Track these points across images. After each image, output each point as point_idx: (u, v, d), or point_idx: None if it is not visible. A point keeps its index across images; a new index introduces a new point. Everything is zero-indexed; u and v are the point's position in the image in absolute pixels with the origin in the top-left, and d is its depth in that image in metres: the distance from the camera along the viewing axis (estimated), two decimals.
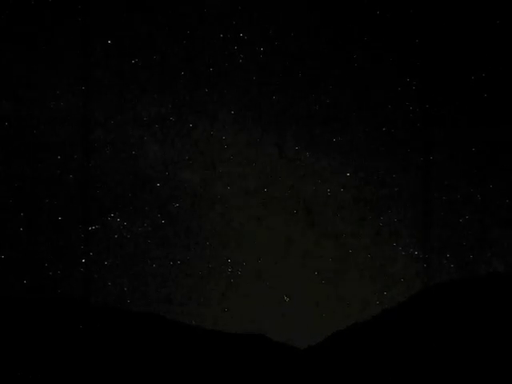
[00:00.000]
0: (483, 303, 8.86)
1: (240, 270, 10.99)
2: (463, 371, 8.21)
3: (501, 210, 10.32)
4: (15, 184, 10.34)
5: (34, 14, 9.63)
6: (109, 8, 9.95)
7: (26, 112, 10.11)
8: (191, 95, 10.53)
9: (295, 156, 10.78)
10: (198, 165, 10.81)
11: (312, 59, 10.37)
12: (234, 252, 10.92)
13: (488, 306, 8.79)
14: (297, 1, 10.30)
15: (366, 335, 8.89)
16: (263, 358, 8.76)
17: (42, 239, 10.50)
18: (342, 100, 10.53)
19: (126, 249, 10.89)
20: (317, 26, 10.43)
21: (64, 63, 9.88)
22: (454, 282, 9.58)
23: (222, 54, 10.42)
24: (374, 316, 9.41)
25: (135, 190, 10.77)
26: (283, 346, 9.25)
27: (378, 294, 10.22)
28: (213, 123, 10.70)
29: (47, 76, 9.95)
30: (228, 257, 10.96)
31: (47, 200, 10.39)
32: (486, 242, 10.29)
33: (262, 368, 8.59)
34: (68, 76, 9.97)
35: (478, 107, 10.50)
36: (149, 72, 10.27)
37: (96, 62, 10.06)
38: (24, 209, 10.37)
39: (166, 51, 10.30)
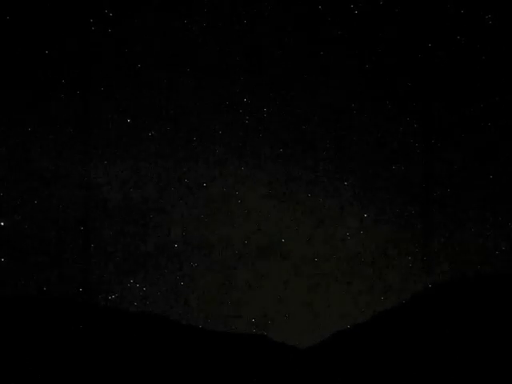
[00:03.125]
0: (483, 302, 8.56)
1: (265, 328, 10.64)
2: (464, 371, 7.80)
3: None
4: (26, 259, 10.52)
5: (34, 88, 10.55)
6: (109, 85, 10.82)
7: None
8: (206, 156, 11.00)
9: (310, 203, 10.94)
10: (215, 221, 10.96)
11: (315, 109, 10.96)
12: (257, 309, 10.67)
13: (488, 305, 8.48)
14: (294, 63, 11.09)
15: (367, 335, 8.53)
16: (264, 358, 8.32)
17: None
18: (347, 148, 10.93)
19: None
20: (316, 88, 11.13)
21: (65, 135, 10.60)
22: (454, 282, 9.27)
23: (230, 117, 11.08)
24: (375, 316, 9.11)
25: (155, 253, 10.85)
26: (284, 346, 8.83)
27: None
28: (226, 180, 11.03)
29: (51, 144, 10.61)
30: (252, 316, 10.69)
31: (60, 269, 10.49)
32: None
33: (263, 368, 8.14)
34: (70, 145, 10.63)
35: (482, 137, 10.73)
36: (158, 136, 10.89)
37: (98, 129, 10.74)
38: (33, 279, 10.42)
39: (179, 119, 10.99)
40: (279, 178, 10.98)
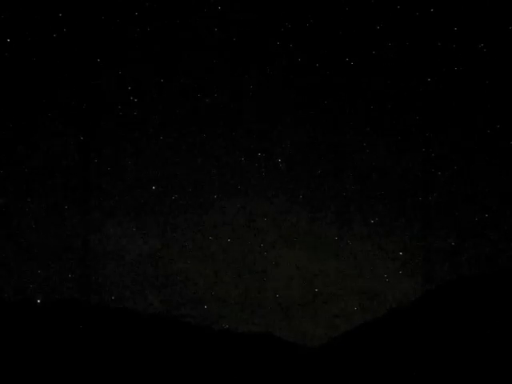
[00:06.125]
0: (492, 301, 8.27)
1: None
2: (475, 370, 7.52)
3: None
4: None
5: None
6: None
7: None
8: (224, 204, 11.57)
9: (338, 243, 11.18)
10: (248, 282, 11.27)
11: (320, 147, 11.50)
12: None
13: (489, 305, 8.20)
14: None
15: (376, 334, 8.33)
16: (272, 357, 8.16)
17: None
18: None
19: None
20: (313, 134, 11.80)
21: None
22: (464, 281, 8.99)
23: (243, 166, 11.79)
24: (383, 315, 8.94)
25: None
26: (292, 344, 8.61)
27: None
28: (254, 236, 11.49)
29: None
30: None
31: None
32: None
33: (271, 367, 7.99)
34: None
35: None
36: (181, 200, 11.62)
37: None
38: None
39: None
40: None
